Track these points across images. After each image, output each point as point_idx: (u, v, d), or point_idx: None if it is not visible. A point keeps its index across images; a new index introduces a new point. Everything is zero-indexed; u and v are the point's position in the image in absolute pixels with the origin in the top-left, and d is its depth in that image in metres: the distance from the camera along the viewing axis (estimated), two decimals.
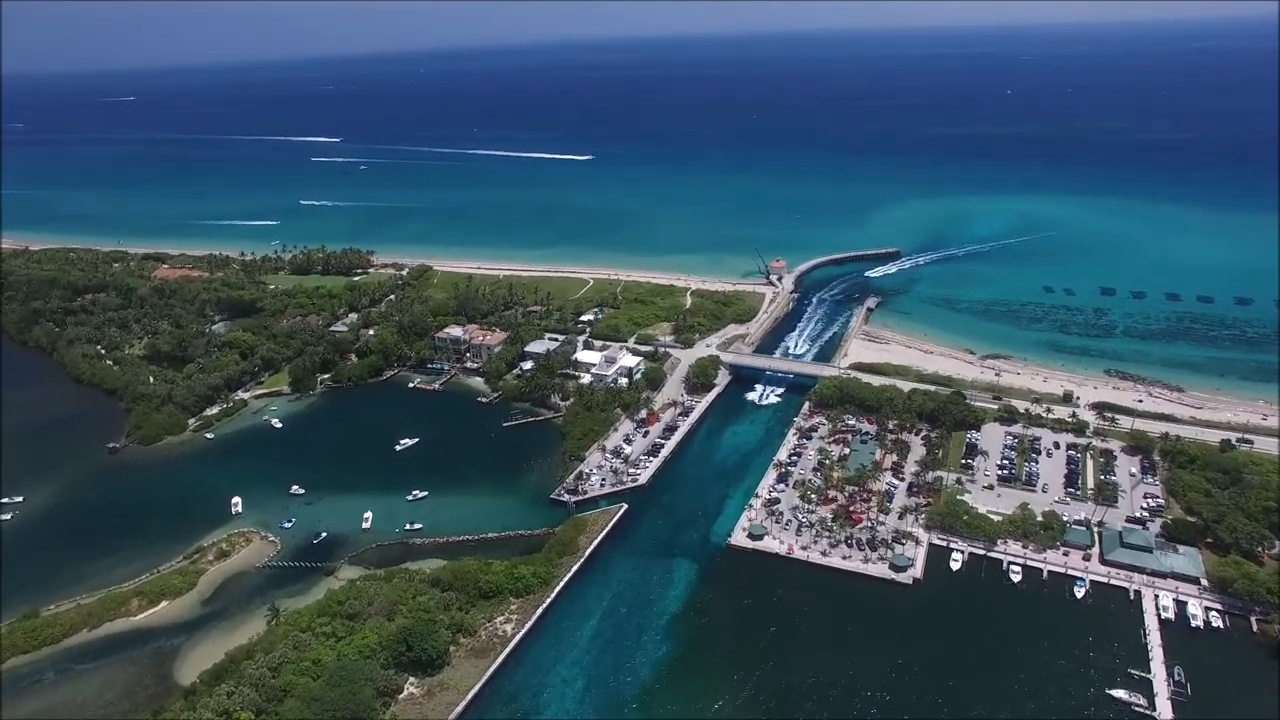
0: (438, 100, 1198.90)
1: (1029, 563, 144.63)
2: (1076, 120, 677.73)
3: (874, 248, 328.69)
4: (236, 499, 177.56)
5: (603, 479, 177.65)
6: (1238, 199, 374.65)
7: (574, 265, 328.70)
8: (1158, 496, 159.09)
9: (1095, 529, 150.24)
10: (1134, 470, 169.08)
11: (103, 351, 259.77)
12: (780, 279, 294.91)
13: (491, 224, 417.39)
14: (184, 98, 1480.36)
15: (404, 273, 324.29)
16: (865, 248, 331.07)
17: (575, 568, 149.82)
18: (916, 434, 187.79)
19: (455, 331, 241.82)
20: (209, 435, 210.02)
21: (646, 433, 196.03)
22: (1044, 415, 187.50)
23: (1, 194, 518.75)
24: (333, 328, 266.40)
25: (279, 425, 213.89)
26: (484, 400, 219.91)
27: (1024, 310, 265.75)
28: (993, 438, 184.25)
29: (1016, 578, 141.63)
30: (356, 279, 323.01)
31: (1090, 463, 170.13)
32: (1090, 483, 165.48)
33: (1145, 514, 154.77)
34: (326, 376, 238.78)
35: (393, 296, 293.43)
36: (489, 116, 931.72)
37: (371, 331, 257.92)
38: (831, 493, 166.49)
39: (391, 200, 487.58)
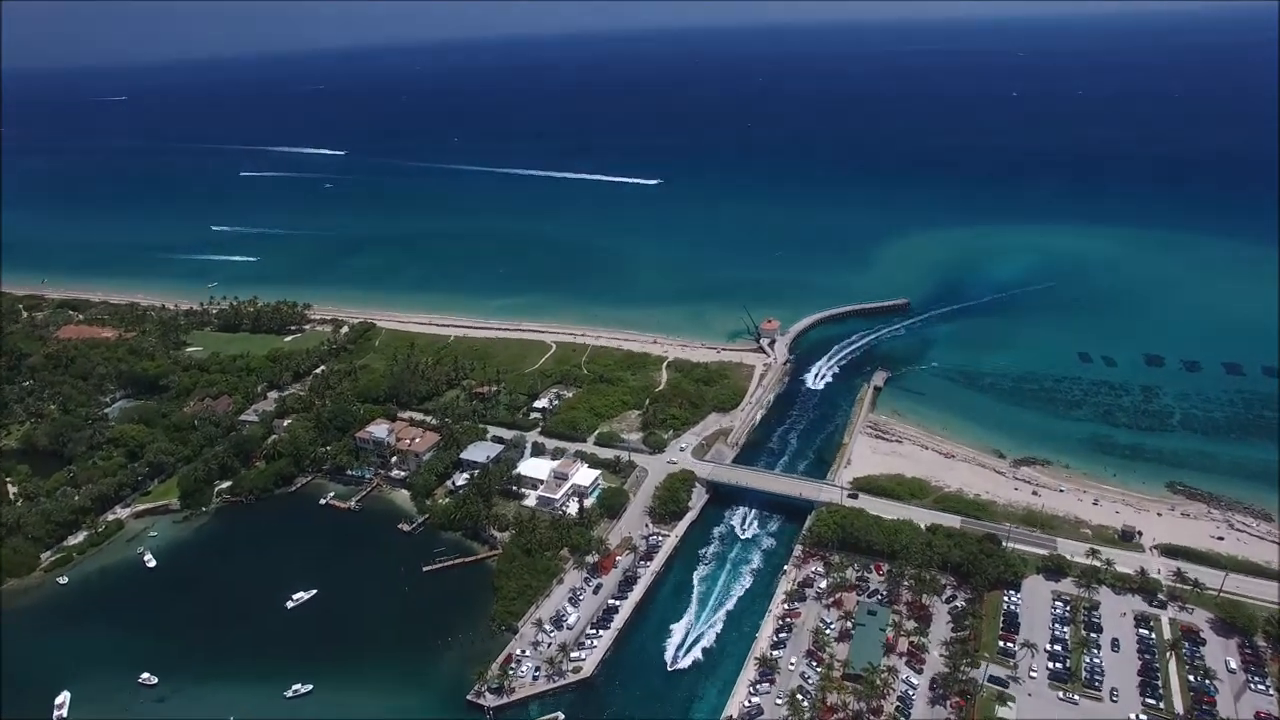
0: (433, 101, 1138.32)
1: None
2: (1092, 128, 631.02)
3: (879, 300, 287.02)
4: (63, 696, 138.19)
5: (536, 666, 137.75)
6: None
7: (536, 322, 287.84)
8: (1275, 717, 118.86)
9: None
10: (1233, 664, 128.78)
11: None
12: (773, 343, 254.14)
13: (456, 261, 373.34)
14: (176, 97, 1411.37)
15: (343, 331, 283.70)
16: (869, 298, 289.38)
17: None
18: (939, 594, 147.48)
19: (379, 432, 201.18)
20: (61, 580, 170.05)
21: (598, 586, 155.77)
22: (1101, 569, 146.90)
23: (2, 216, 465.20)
24: (244, 415, 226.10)
25: (152, 564, 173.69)
26: (406, 528, 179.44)
27: (1058, 389, 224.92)
28: (1038, 602, 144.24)
29: None
30: (288, 340, 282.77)
31: (1173, 658, 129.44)
32: (1175, 686, 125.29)
33: None
34: (225, 486, 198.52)
35: (322, 369, 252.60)
36: (488, 122, 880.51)
37: (287, 423, 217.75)
38: (830, 698, 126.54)
39: (352, 228, 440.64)
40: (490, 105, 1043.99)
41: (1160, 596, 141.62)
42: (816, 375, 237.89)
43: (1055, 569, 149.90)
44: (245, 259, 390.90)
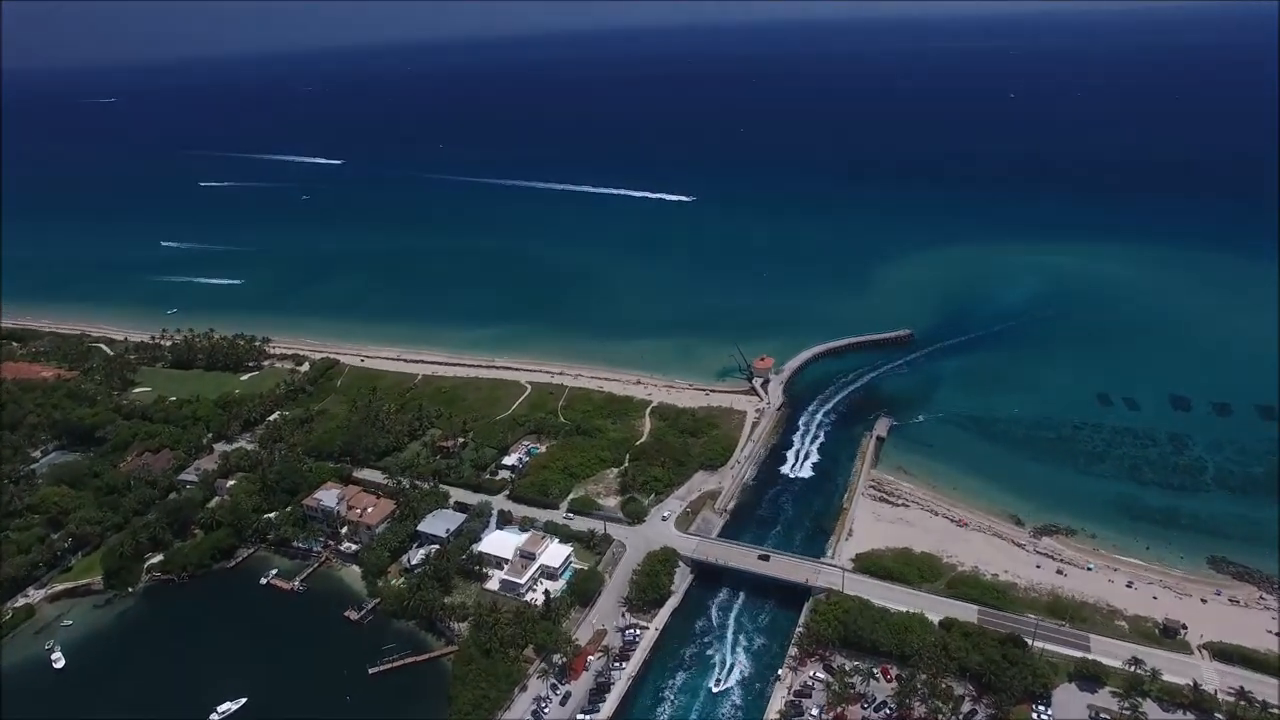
0: (429, 104, 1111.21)
1: None
2: (1095, 132, 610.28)
3: (880, 330, 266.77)
4: None
5: None
6: None
7: (511, 357, 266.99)
8: None
9: None
10: None
11: None
12: (766, 384, 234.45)
13: (433, 285, 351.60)
14: (168, 99, 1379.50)
15: (303, 369, 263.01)
16: (868, 327, 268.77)
17: None
18: (958, 709, 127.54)
19: (329, 500, 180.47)
20: None
21: (566, 696, 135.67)
22: (1145, 680, 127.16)
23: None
24: (185, 473, 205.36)
25: (60, 664, 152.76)
26: (353, 616, 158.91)
27: (1078, 438, 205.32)
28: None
29: None
30: (244, 378, 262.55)
31: None
32: None
33: None
34: (156, 561, 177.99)
35: (276, 416, 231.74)
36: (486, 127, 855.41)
37: (230, 483, 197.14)
38: None
39: (327, 245, 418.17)
40: (487, 108, 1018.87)
41: (1218, 716, 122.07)
42: (815, 420, 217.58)
43: (1090, 676, 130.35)
44: (208, 280, 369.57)
